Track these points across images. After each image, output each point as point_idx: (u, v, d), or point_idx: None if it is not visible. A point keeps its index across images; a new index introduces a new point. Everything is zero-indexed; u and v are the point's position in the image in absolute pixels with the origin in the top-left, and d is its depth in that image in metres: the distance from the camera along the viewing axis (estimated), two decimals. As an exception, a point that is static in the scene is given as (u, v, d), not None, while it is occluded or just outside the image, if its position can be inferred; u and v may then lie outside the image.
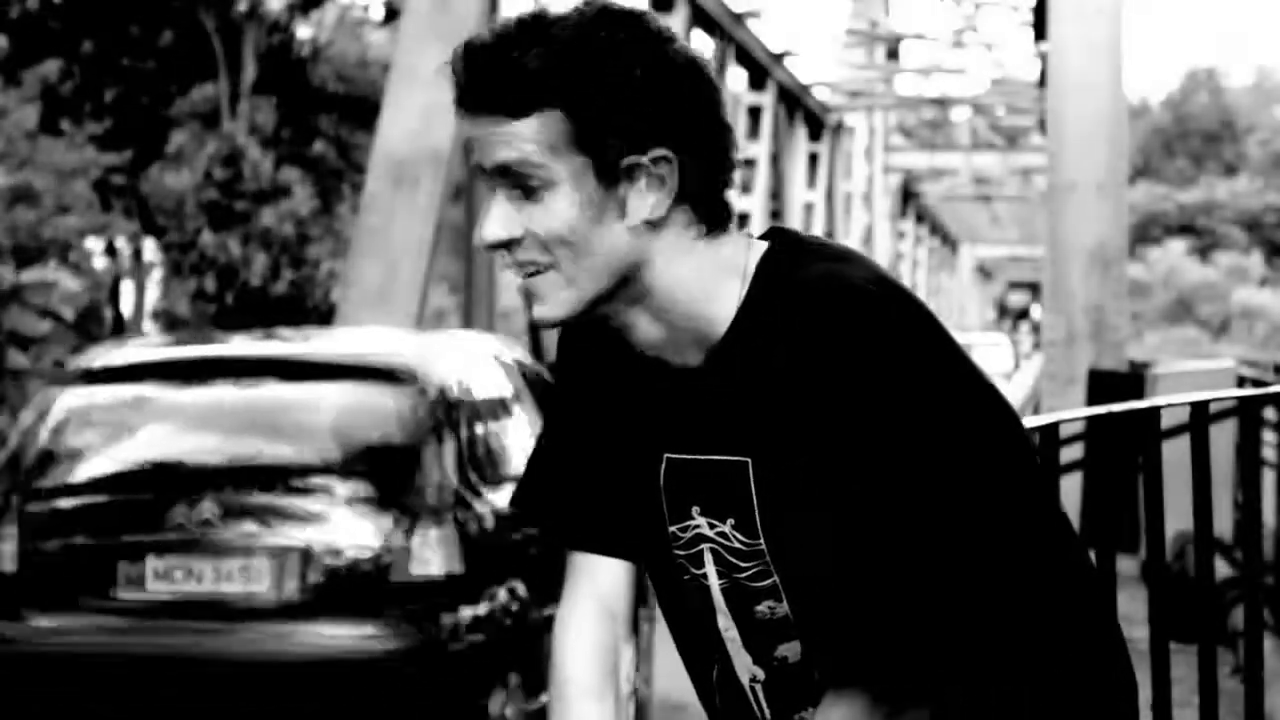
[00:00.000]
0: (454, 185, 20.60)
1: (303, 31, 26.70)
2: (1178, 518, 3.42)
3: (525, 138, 1.85)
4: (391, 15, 24.62)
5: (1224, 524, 9.33)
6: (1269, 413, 9.26)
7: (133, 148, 23.63)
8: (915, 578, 1.83)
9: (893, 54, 42.00)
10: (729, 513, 1.93)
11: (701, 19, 23.80)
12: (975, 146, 51.30)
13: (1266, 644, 7.47)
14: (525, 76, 1.85)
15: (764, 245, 1.96)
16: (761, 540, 1.92)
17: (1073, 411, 3.15)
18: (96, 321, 24.07)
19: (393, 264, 17.46)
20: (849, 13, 38.89)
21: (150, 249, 25.98)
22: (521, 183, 1.87)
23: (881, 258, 41.51)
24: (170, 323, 25.17)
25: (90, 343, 23.23)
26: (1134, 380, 13.42)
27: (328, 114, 25.85)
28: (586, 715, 2.00)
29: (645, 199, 1.88)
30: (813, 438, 1.87)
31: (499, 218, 1.88)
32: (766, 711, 1.99)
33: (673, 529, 1.98)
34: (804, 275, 1.90)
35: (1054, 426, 3.01)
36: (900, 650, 1.85)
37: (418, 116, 18.03)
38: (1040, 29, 29.14)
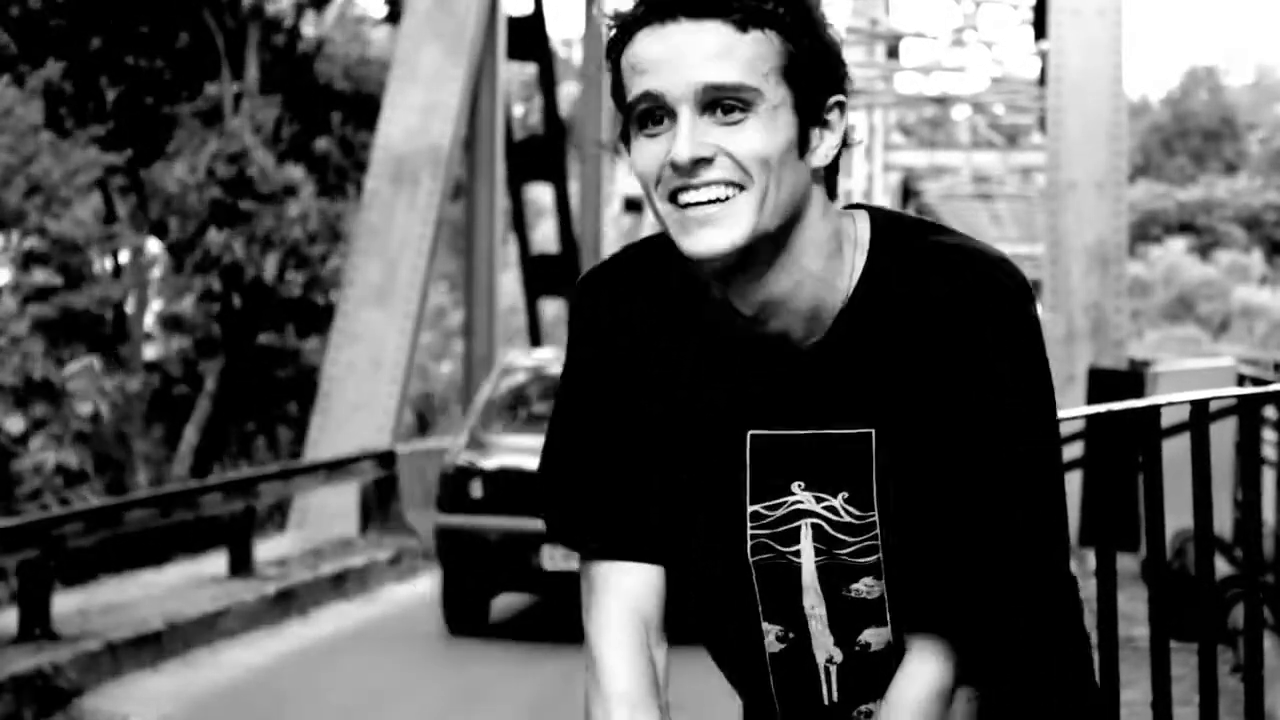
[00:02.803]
0: (453, 183, 20.58)
1: (307, 29, 26.68)
2: (1178, 516, 3.42)
3: (745, 55, 1.84)
4: (394, 13, 24.61)
5: (1224, 522, 9.33)
6: (1269, 411, 9.25)
7: (136, 146, 23.61)
8: (1007, 548, 1.87)
9: (893, 52, 41.99)
10: (842, 486, 1.91)
11: (701, 17, 23.76)
12: (975, 145, 51.30)
13: (1266, 642, 7.47)
14: None
15: (865, 216, 1.97)
16: (875, 513, 1.90)
17: (1072, 410, 3.14)
18: (98, 322, 24.07)
19: (392, 262, 17.46)
20: (849, 11, 38.87)
21: (152, 247, 25.97)
22: (726, 104, 1.84)
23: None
24: (175, 323, 25.16)
25: (92, 342, 23.21)
26: (1134, 378, 13.41)
27: (333, 111, 25.84)
28: None
29: (825, 143, 1.91)
30: (945, 404, 1.88)
31: (693, 136, 1.84)
32: (835, 695, 1.96)
33: (756, 507, 1.94)
34: (934, 246, 1.92)
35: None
36: (984, 628, 1.89)
37: (417, 115, 18.02)
38: (1040, 27, 29.11)
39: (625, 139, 1.93)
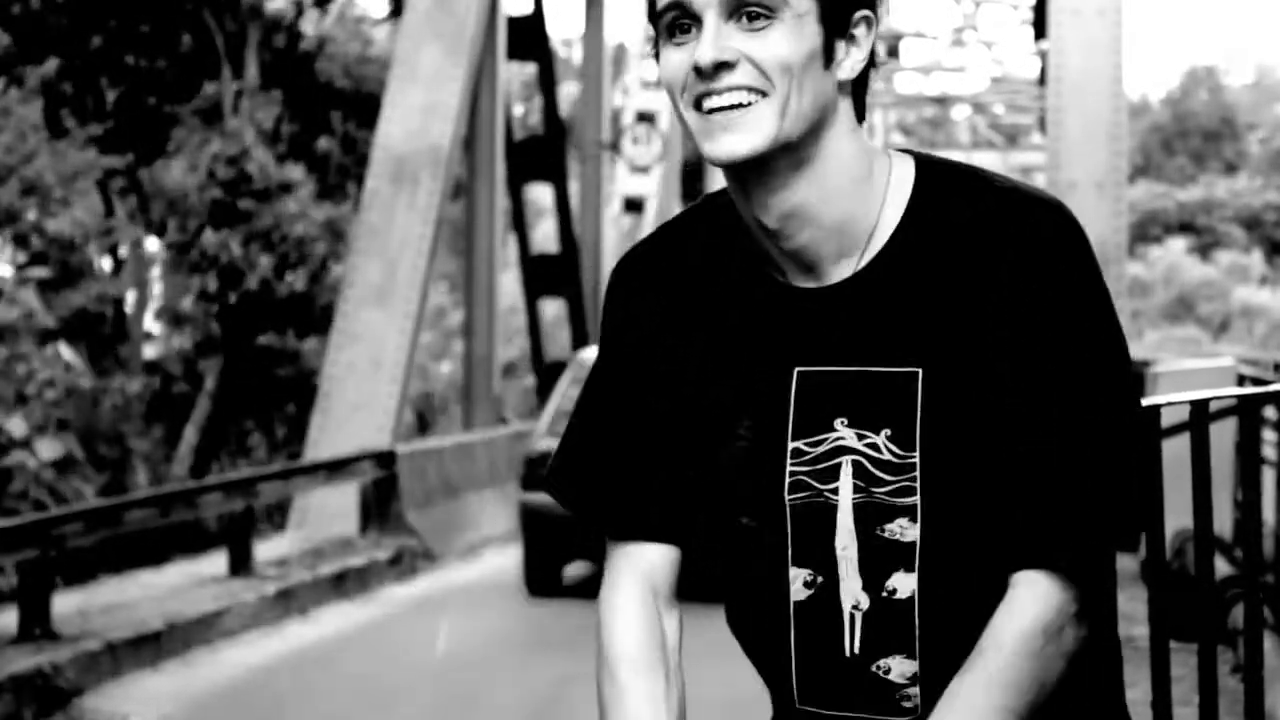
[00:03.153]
0: (453, 183, 20.57)
1: (307, 28, 26.67)
2: (1178, 516, 3.42)
3: None
4: (396, 10, 24.61)
5: (1224, 522, 9.33)
6: (1269, 411, 9.25)
7: (136, 145, 23.61)
8: (1068, 489, 1.86)
9: (893, 52, 42.02)
10: (885, 423, 1.91)
11: (701, 17, 23.77)
12: (975, 145, 51.30)
13: (1267, 642, 7.47)
14: None
15: (907, 155, 1.99)
16: (916, 453, 1.90)
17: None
18: (98, 320, 24.07)
19: (392, 262, 17.45)
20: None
21: (152, 246, 25.97)
22: (751, 11, 1.87)
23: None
24: (176, 320, 25.17)
25: (93, 341, 23.20)
26: (1134, 378, 13.38)
27: (334, 110, 25.83)
28: (639, 691, 1.98)
29: (850, 56, 1.93)
30: (988, 337, 1.87)
31: (717, 41, 1.87)
32: (857, 644, 1.94)
33: (797, 444, 1.94)
34: (987, 183, 1.93)
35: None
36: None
37: (417, 115, 18.02)
38: (1040, 27, 29.13)
39: (656, 53, 1.95)
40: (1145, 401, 3.12)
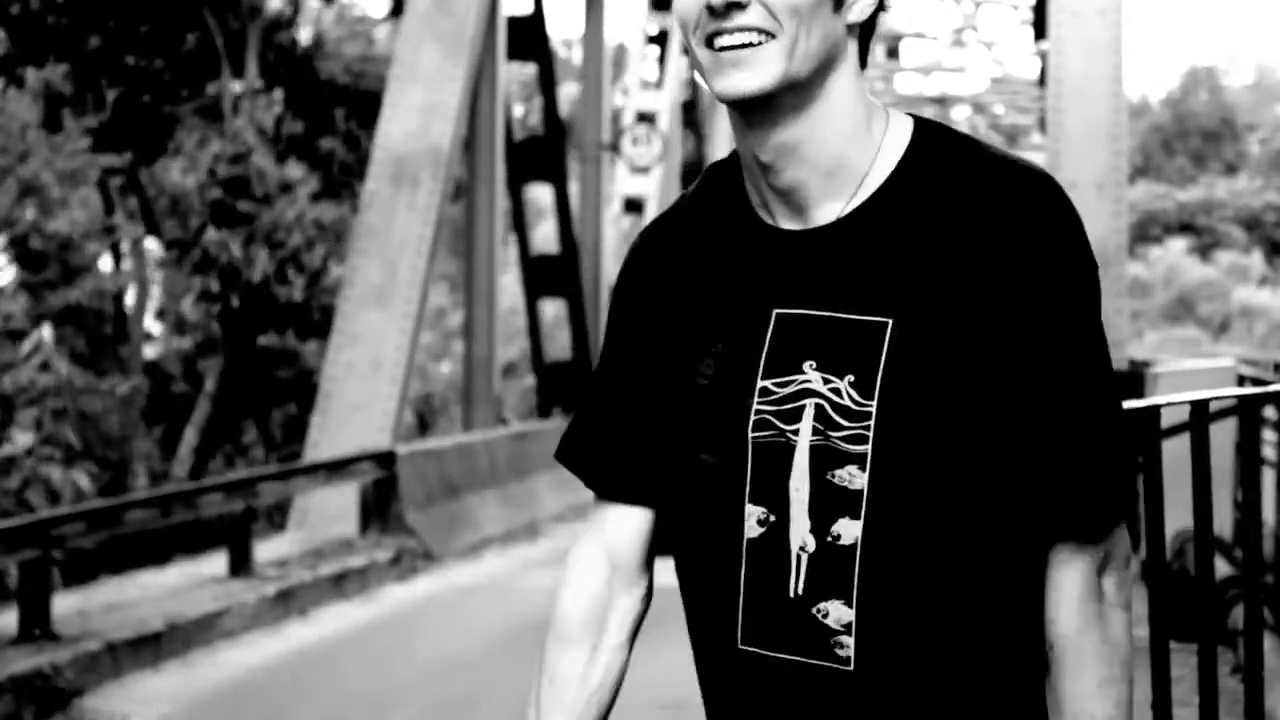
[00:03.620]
0: (454, 184, 20.57)
1: (308, 28, 26.68)
2: (1177, 516, 3.42)
3: None
4: (398, 8, 24.60)
5: (1224, 522, 9.33)
6: (1269, 411, 9.25)
7: (136, 144, 23.61)
8: (1044, 460, 1.92)
9: (892, 52, 42.04)
10: (849, 369, 1.95)
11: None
12: (975, 145, 51.23)
13: (1266, 643, 7.47)
14: None
15: (907, 116, 2.04)
16: (873, 403, 1.94)
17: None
18: (98, 319, 24.06)
19: (392, 262, 17.45)
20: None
21: (153, 246, 25.97)
22: None
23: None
24: (178, 323, 25.17)
25: (93, 341, 23.20)
26: (1134, 379, 13.41)
27: (337, 108, 25.83)
28: (564, 663, 2.10)
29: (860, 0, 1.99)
30: (974, 305, 1.92)
31: None
32: (800, 586, 1.98)
33: (766, 383, 1.99)
34: (983, 148, 1.98)
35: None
36: (1001, 538, 1.95)
37: (417, 115, 18.02)
38: (1040, 28, 29.16)
39: None
40: (1145, 402, 3.12)
